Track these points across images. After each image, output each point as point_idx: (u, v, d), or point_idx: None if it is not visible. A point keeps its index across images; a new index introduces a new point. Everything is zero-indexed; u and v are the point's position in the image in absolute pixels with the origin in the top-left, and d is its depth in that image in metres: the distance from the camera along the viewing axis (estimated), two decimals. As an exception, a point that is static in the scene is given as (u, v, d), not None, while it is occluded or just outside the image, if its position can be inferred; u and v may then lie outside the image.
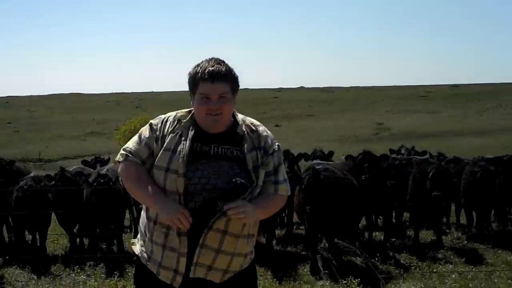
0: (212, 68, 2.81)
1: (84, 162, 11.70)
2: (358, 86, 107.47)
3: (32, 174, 9.29)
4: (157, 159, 2.84)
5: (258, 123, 3.02)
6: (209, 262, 2.78)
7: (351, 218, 9.10)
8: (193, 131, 2.85)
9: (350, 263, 7.88)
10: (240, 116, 2.99)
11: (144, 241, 2.97)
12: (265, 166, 2.86)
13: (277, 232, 9.64)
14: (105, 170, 9.32)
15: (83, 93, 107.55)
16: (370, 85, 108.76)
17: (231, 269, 2.85)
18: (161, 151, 2.83)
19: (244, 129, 2.92)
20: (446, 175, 8.70)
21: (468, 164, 10.01)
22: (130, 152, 2.93)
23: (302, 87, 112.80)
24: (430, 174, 8.67)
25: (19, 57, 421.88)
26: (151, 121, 3.01)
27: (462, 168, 9.77)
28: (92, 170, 10.17)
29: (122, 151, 2.97)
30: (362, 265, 7.92)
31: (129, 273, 7.34)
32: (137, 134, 3.00)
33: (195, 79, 2.85)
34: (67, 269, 7.86)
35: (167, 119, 2.95)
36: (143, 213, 3.01)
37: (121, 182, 3.06)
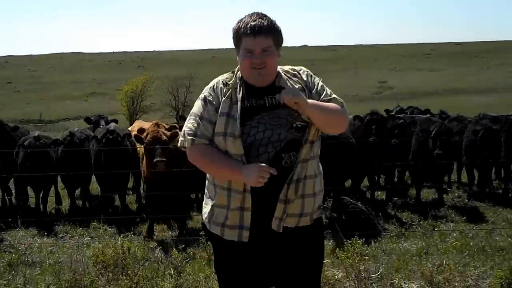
0: (254, 23, 2.82)
1: (87, 120, 11.67)
2: (362, 45, 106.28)
3: (36, 133, 9.29)
4: (216, 126, 2.87)
5: (297, 67, 3.07)
6: (282, 210, 2.85)
7: (352, 176, 9.18)
8: (241, 91, 2.89)
9: (353, 222, 7.91)
10: (278, 67, 3.00)
11: (208, 206, 3.01)
12: (314, 96, 2.92)
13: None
14: (112, 126, 9.36)
15: (84, 52, 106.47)
16: (374, 43, 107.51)
17: (305, 211, 2.91)
18: (218, 117, 2.86)
19: (285, 77, 2.95)
20: (448, 134, 8.67)
21: (471, 122, 9.95)
22: (194, 135, 2.90)
23: (305, 46, 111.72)
24: (433, 133, 8.63)
25: (19, 15, 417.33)
26: (202, 95, 2.98)
27: (465, 126, 9.71)
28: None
29: (186, 137, 2.94)
30: (365, 223, 7.97)
31: (133, 235, 7.38)
32: (192, 114, 2.97)
33: (238, 34, 2.87)
34: (70, 231, 7.90)
35: (216, 86, 2.96)
36: (207, 181, 3.05)
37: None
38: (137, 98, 37.04)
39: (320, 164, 3.04)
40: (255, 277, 2.94)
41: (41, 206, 8.94)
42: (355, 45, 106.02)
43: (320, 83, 3.01)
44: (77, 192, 9.62)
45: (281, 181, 2.80)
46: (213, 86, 2.96)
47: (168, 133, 7.49)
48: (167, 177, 7.26)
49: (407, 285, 4.87)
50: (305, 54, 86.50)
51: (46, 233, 7.81)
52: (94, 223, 8.11)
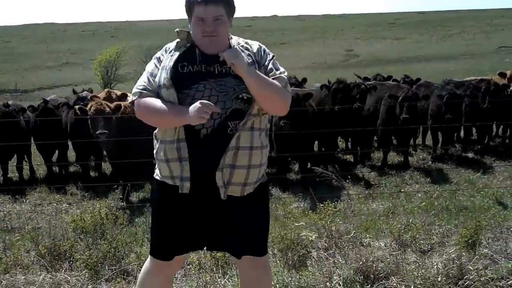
0: None
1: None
2: (329, 14, 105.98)
3: (10, 102, 9.07)
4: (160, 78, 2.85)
5: (252, 41, 3.01)
6: (227, 178, 2.80)
7: (321, 141, 9.26)
8: (185, 48, 2.88)
9: (326, 185, 7.96)
10: (234, 38, 2.97)
11: (156, 163, 2.98)
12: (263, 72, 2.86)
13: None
14: (84, 94, 9.21)
15: (58, 23, 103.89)
16: (341, 13, 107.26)
17: (249, 181, 2.86)
18: (160, 71, 2.86)
19: (237, 48, 2.87)
20: (414, 99, 8.71)
21: (438, 88, 10.01)
22: (143, 89, 2.87)
23: (275, 16, 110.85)
24: (400, 98, 8.66)
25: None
26: (156, 54, 2.98)
27: (432, 92, 9.75)
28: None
29: (134, 90, 2.90)
30: (336, 185, 8.01)
31: (110, 200, 7.28)
32: (144, 72, 2.95)
33: (190, 2, 2.82)
34: (48, 198, 7.75)
35: (169, 47, 2.96)
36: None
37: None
38: (111, 67, 36.50)
39: (267, 137, 2.99)
40: (190, 231, 2.90)
41: (17, 174, 8.77)
42: (323, 15, 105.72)
43: (270, 59, 2.93)
44: (54, 158, 9.45)
45: (225, 148, 2.76)
46: (167, 46, 2.97)
47: (112, 105, 7.39)
48: (116, 147, 7.34)
49: (376, 243, 4.89)
50: (275, 23, 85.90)
51: (24, 200, 7.65)
52: (72, 190, 7.97)
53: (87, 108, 7.35)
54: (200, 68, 2.83)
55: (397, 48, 51.69)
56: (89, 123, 7.30)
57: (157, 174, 2.98)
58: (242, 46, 2.92)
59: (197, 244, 3.02)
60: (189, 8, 2.83)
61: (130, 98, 2.94)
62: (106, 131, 7.02)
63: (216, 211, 2.87)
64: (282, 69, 2.92)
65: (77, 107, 7.73)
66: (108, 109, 7.28)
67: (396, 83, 10.73)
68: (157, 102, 2.79)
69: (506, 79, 9.99)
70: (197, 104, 2.67)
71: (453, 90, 9.18)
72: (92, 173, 9.27)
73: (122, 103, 7.73)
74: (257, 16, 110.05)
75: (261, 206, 3.02)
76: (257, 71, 2.79)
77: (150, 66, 2.94)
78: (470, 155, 9.83)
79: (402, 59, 41.42)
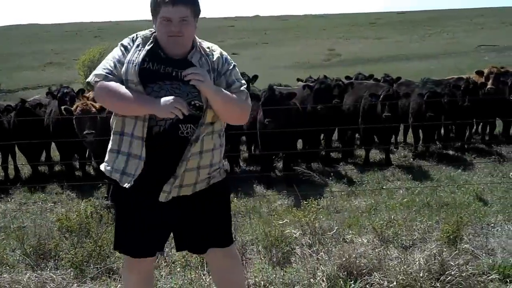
0: None
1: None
2: (311, 14, 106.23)
3: None
4: (128, 73, 2.81)
5: (215, 47, 2.99)
6: (181, 182, 2.84)
7: (305, 140, 9.30)
8: (150, 46, 2.85)
9: (309, 183, 7.97)
10: (197, 41, 2.96)
11: (109, 156, 2.95)
12: (218, 86, 2.86)
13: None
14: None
15: (41, 23, 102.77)
16: (323, 13, 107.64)
17: (200, 179, 2.89)
18: (125, 63, 2.83)
19: (199, 54, 2.89)
20: (395, 97, 8.77)
21: (418, 86, 10.08)
22: (108, 73, 2.82)
23: (257, 16, 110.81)
24: (381, 96, 8.71)
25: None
26: (122, 41, 2.95)
27: (413, 90, 9.82)
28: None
29: (98, 72, 2.85)
30: (320, 183, 8.03)
31: (95, 199, 7.21)
32: (109, 56, 2.92)
33: (156, 2, 2.82)
34: (33, 197, 7.66)
35: (135, 38, 2.93)
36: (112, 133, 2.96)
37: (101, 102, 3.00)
38: (94, 67, 36.17)
39: (222, 137, 3.00)
40: (147, 228, 2.91)
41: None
42: (305, 14, 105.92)
43: (231, 69, 2.95)
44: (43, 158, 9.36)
45: (176, 150, 2.78)
46: (133, 37, 2.94)
47: (97, 105, 7.33)
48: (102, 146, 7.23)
49: (359, 239, 4.91)
50: (257, 23, 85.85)
51: (9, 199, 7.56)
52: (57, 189, 7.89)
53: (72, 109, 7.29)
54: (159, 67, 2.82)
55: (378, 48, 51.89)
56: (75, 123, 7.24)
57: (107, 167, 2.94)
58: (203, 50, 2.92)
59: (160, 243, 3.05)
60: (155, 8, 2.83)
61: (90, 78, 2.86)
62: (93, 131, 6.99)
63: (170, 209, 2.87)
64: (242, 81, 2.97)
65: (63, 107, 7.66)
66: (94, 109, 7.23)
67: (375, 82, 10.79)
68: (122, 88, 2.77)
69: (484, 77, 10.11)
70: (170, 98, 2.69)
71: (433, 89, 9.25)
72: (76, 172, 9.18)
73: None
74: (240, 16, 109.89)
75: (219, 199, 3.05)
76: (222, 90, 2.82)
77: (116, 52, 2.90)
78: (451, 152, 9.92)
79: (383, 58, 41.59)
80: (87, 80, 2.89)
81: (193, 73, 2.73)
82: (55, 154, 9.73)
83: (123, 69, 2.81)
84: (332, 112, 8.80)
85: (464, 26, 66.38)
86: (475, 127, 11.33)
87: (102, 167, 2.99)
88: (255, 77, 10.34)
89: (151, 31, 2.95)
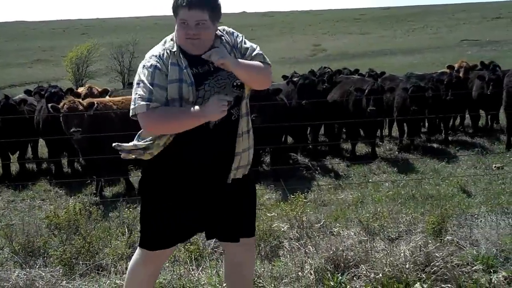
0: None
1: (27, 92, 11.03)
2: (297, 11, 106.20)
3: None
4: (168, 93, 2.77)
5: (228, 28, 3.04)
6: (238, 163, 2.97)
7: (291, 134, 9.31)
8: (185, 58, 2.83)
9: (297, 177, 7.98)
10: (219, 29, 2.98)
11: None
12: (243, 52, 2.96)
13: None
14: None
15: (28, 21, 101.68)
16: (308, 9, 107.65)
17: (248, 162, 3.03)
18: (168, 84, 2.77)
19: (218, 40, 2.92)
20: (380, 92, 8.79)
21: (402, 81, 10.12)
22: (149, 100, 2.74)
23: (244, 12, 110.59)
24: (366, 91, 8.73)
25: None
26: (148, 63, 2.82)
27: (397, 84, 9.86)
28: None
29: (138, 104, 2.74)
30: (306, 177, 8.04)
31: (84, 196, 7.17)
32: (140, 82, 2.79)
33: (176, 4, 2.81)
34: (21, 194, 7.59)
35: (162, 54, 2.84)
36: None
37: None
38: (82, 64, 36.00)
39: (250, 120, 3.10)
40: (188, 218, 2.94)
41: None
42: (291, 11, 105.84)
43: (242, 40, 3.01)
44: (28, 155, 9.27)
45: (231, 134, 2.90)
46: (159, 54, 2.84)
47: (84, 103, 7.31)
48: (89, 143, 7.22)
49: (345, 232, 4.90)
50: (244, 20, 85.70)
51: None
52: (45, 186, 7.81)
53: (59, 106, 7.22)
54: (197, 69, 2.85)
55: (363, 43, 52.11)
56: (62, 121, 7.17)
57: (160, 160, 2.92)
58: (221, 33, 2.95)
59: (192, 232, 3.11)
60: (175, 10, 2.82)
61: (131, 110, 2.79)
62: (80, 129, 6.94)
63: (214, 198, 2.94)
64: (254, 45, 3.02)
65: (50, 105, 7.59)
66: (81, 107, 7.17)
67: (360, 77, 10.81)
68: (169, 110, 2.76)
69: (454, 71, 10.30)
70: (211, 100, 2.75)
71: (417, 83, 9.28)
72: (65, 169, 9.11)
73: (95, 100, 7.61)
74: (227, 12, 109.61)
75: (253, 188, 3.18)
76: (242, 60, 2.88)
77: (146, 76, 2.78)
78: (435, 145, 9.98)
79: (368, 53, 41.77)
80: (130, 115, 2.80)
81: (212, 56, 2.78)
82: (43, 151, 9.64)
83: (170, 89, 2.76)
84: (317, 107, 8.81)
85: (447, 21, 66.80)
86: (458, 120, 11.41)
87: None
88: None
89: (173, 40, 2.89)
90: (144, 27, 73.64)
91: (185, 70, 2.79)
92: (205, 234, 3.13)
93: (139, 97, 2.76)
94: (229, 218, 3.00)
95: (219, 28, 2.98)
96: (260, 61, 2.96)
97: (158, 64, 2.80)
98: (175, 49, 2.84)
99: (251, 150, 3.04)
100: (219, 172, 2.92)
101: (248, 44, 3.01)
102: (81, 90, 9.56)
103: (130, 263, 3.14)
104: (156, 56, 2.83)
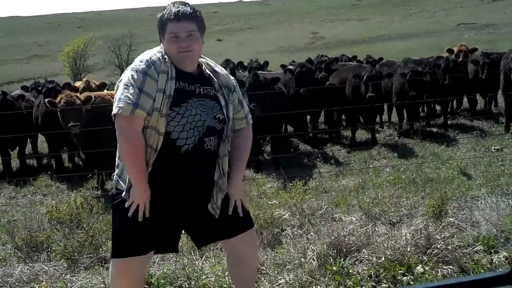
0: (178, 9, 2.81)
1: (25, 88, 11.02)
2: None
3: None
4: (155, 102, 2.73)
5: (213, 63, 3.04)
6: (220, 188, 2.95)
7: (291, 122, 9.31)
8: (174, 71, 2.80)
9: (298, 165, 8.00)
10: (203, 60, 3.00)
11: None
12: (232, 102, 2.98)
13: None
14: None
15: (22, 16, 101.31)
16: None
17: (223, 187, 2.98)
18: (157, 93, 2.72)
19: (208, 70, 2.95)
20: (378, 78, 8.79)
21: (400, 66, 10.11)
22: (136, 104, 2.68)
23: (240, 1, 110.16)
24: (364, 77, 8.72)
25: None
26: (139, 67, 2.74)
27: (395, 70, 9.85)
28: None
29: (123, 103, 2.69)
30: (308, 164, 8.06)
31: (85, 189, 7.18)
32: (129, 84, 2.72)
33: (162, 20, 2.83)
34: (22, 190, 7.61)
35: (154, 60, 2.77)
36: None
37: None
38: (79, 58, 35.88)
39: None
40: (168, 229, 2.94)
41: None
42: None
43: (237, 90, 3.04)
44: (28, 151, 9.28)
45: (205, 162, 2.87)
46: (151, 59, 2.77)
47: (82, 97, 7.29)
48: (88, 137, 7.24)
49: (347, 218, 4.94)
50: (241, 9, 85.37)
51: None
52: (46, 181, 7.83)
53: (56, 101, 7.21)
54: (184, 85, 2.83)
55: (361, 29, 51.84)
56: (60, 115, 7.17)
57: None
58: (208, 66, 2.96)
59: (168, 240, 3.03)
60: (162, 26, 2.82)
61: (114, 109, 2.73)
62: (78, 123, 6.93)
63: (198, 212, 2.91)
64: (244, 104, 3.09)
65: (46, 100, 7.58)
66: (78, 101, 7.16)
67: (358, 64, 10.82)
68: (139, 152, 2.74)
69: (454, 54, 10.30)
70: (141, 199, 2.77)
71: (415, 68, 9.28)
72: (65, 164, 9.12)
73: (92, 94, 7.61)
74: (223, 2, 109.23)
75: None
76: (241, 176, 3.06)
77: (136, 80, 2.71)
78: (434, 129, 9.99)
79: (366, 40, 41.61)
80: (112, 114, 2.74)
81: (237, 195, 2.97)
82: (43, 146, 9.65)
83: (157, 98, 2.71)
84: (315, 95, 8.81)
85: (443, 5, 66.41)
86: (455, 103, 11.42)
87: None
88: (239, 64, 10.37)
89: (160, 52, 2.84)
90: (140, 18, 73.38)
91: (171, 81, 2.76)
92: (195, 244, 3.17)
93: (126, 98, 2.69)
94: (216, 220, 2.94)
95: (210, 61, 3.02)
96: (243, 123, 3.05)
97: (149, 71, 2.72)
98: (167, 58, 2.80)
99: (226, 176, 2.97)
100: (196, 201, 2.88)
101: (241, 94, 3.09)
102: (78, 84, 9.56)
103: (110, 278, 3.05)
104: (148, 61, 2.76)
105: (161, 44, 2.86)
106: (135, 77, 2.72)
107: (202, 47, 2.89)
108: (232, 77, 3.06)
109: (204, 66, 2.95)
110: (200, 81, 2.88)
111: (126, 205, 2.80)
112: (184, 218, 2.93)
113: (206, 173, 2.87)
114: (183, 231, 3.11)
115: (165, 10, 2.83)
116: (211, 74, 2.94)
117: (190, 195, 2.86)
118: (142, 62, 2.77)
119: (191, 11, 2.82)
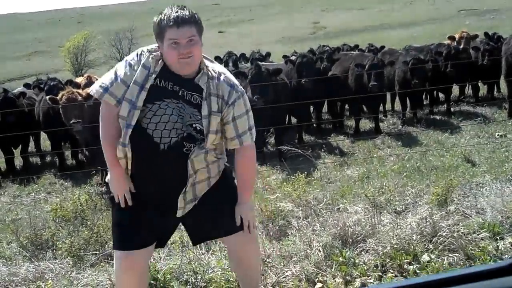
0: (176, 14, 2.72)
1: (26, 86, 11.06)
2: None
3: None
4: (127, 92, 2.74)
5: (223, 70, 2.94)
6: (194, 195, 2.91)
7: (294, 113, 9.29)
8: (160, 67, 2.79)
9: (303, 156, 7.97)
10: (206, 62, 2.89)
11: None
12: (224, 115, 2.84)
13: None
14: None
15: (21, 12, 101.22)
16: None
17: (198, 195, 2.92)
18: (131, 84, 2.75)
19: (205, 77, 2.83)
20: (380, 66, 8.75)
21: (402, 54, 10.07)
22: (106, 89, 2.77)
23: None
24: (366, 66, 8.69)
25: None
26: (127, 57, 2.87)
27: (397, 58, 9.81)
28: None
29: (97, 87, 2.80)
30: (313, 155, 8.04)
31: (89, 186, 7.19)
32: (112, 70, 2.85)
33: (160, 26, 2.74)
34: (26, 189, 7.62)
35: (140, 53, 2.84)
36: None
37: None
38: (80, 53, 35.83)
39: (224, 149, 3.03)
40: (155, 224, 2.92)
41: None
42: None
43: (236, 105, 2.86)
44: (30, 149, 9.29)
45: (182, 165, 2.80)
46: (139, 51, 2.85)
47: (83, 93, 7.28)
48: (90, 134, 7.15)
49: (352, 208, 4.93)
50: (242, 1, 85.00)
51: (2, 193, 7.51)
52: (50, 179, 7.84)
53: (58, 98, 7.21)
54: (166, 85, 2.79)
55: (362, 18, 51.58)
56: (62, 112, 7.16)
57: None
58: (210, 72, 2.85)
59: (163, 233, 3.05)
60: (160, 31, 2.74)
61: (92, 89, 2.86)
62: (80, 120, 6.91)
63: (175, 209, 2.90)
64: (246, 118, 2.91)
65: (47, 97, 7.58)
66: (80, 98, 7.14)
67: (360, 53, 10.77)
68: (114, 131, 2.78)
69: (455, 41, 10.26)
70: (120, 187, 2.83)
71: (417, 56, 9.24)
72: (69, 161, 9.13)
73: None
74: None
75: (233, 178, 3.10)
76: (249, 194, 3.08)
77: (119, 68, 2.81)
78: (438, 117, 9.96)
79: (367, 28, 41.40)
80: (89, 91, 2.87)
81: (247, 218, 2.99)
82: (46, 144, 9.65)
83: (130, 88, 2.74)
84: (317, 85, 8.78)
85: (444, -10, 66.12)
86: (458, 91, 11.38)
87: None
88: (242, 56, 10.36)
89: (156, 49, 2.84)
90: (140, 12, 73.19)
91: (151, 77, 2.75)
92: (191, 241, 3.17)
93: (102, 82, 2.82)
94: (210, 217, 2.96)
95: (218, 68, 2.91)
96: (236, 143, 2.90)
97: (132, 61, 2.80)
98: (155, 54, 2.79)
99: (206, 181, 2.92)
100: (169, 198, 2.87)
101: (241, 111, 2.89)
102: (80, 80, 9.55)
103: (114, 273, 3.08)
104: (137, 53, 2.85)
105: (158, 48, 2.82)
106: (120, 65, 2.84)
107: (201, 50, 2.83)
108: (237, 92, 2.87)
109: (203, 71, 2.84)
110: (187, 85, 2.80)
111: (110, 196, 2.88)
112: (169, 214, 2.90)
113: (180, 173, 2.81)
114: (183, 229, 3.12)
115: (163, 15, 2.74)
116: (208, 82, 2.82)
117: (163, 190, 2.86)
118: (132, 53, 2.88)
119: (190, 16, 2.75)
